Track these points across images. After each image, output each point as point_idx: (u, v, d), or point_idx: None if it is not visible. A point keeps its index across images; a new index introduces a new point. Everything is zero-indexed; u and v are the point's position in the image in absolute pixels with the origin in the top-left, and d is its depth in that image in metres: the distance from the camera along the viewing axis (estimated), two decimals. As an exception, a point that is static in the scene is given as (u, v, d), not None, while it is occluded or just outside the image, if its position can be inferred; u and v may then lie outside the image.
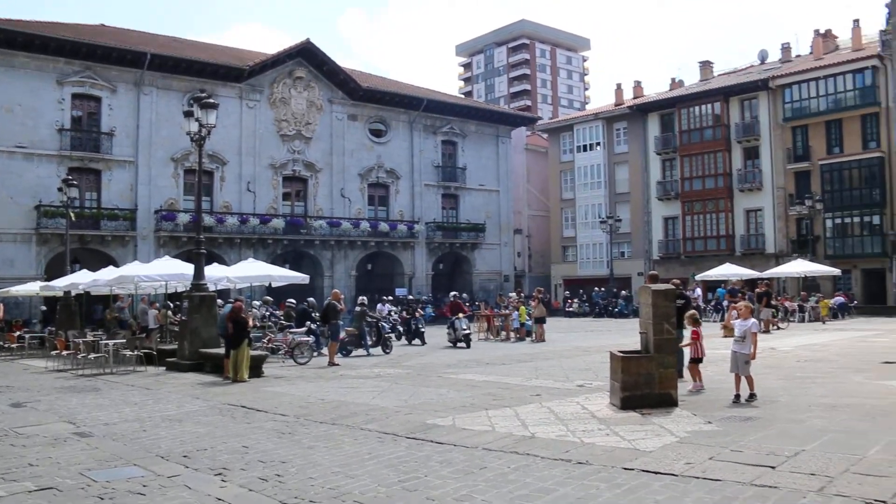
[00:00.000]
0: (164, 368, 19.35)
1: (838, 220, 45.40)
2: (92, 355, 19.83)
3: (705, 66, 59.99)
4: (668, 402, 10.63)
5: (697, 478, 6.80)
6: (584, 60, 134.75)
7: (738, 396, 10.91)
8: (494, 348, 24.84)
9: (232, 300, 19.02)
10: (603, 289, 51.35)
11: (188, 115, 20.16)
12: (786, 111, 48.29)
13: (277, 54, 45.44)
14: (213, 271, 23.93)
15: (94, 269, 28.79)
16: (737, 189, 50.32)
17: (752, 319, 11.70)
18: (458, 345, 25.17)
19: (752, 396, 10.91)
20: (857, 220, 45.00)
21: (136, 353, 20.00)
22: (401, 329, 28.10)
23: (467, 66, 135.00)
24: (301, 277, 25.64)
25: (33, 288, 29.80)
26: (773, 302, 31.36)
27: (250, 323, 17.89)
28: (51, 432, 10.48)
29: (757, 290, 30.25)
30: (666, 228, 54.51)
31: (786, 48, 56.26)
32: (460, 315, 26.05)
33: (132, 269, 24.35)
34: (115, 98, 39.15)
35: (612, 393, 11.10)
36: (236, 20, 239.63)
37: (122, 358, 19.84)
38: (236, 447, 9.05)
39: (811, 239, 44.11)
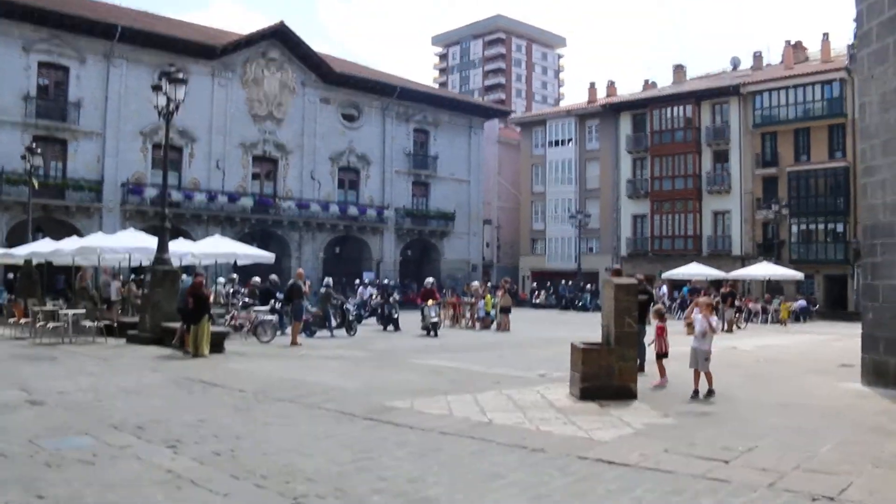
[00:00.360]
0: (125, 341, 19.10)
1: (803, 226, 45.92)
2: (51, 324, 19.55)
3: (678, 69, 60.28)
4: (626, 394, 10.68)
5: (650, 469, 6.81)
6: (560, 58, 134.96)
7: (696, 392, 10.98)
8: (459, 336, 24.87)
9: (193, 275, 18.70)
10: (570, 282, 51.55)
11: (156, 89, 19.82)
12: (756, 117, 48.71)
13: (251, 35, 44.99)
14: (179, 246, 23.63)
15: (58, 238, 28.30)
16: (706, 191, 50.70)
17: (714, 317, 11.79)
18: (431, 333, 24.23)
19: (710, 392, 10.98)
20: (821, 226, 45.52)
21: (96, 324, 19.74)
22: (378, 313, 27.82)
23: (443, 57, 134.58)
24: (267, 256, 25.43)
25: (-8, 254, 29.24)
26: (737, 303, 31.72)
27: (211, 298, 17.63)
28: (2, 399, 10.32)
29: (722, 290, 30.58)
30: (634, 226, 54.77)
31: (757, 56, 56.64)
32: (429, 302, 25.13)
33: (96, 240, 24.00)
34: (83, 68, 38.45)
35: (572, 383, 11.13)
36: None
37: (82, 329, 19.56)
38: (191, 421, 8.95)
39: (776, 243, 44.59)
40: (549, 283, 54.71)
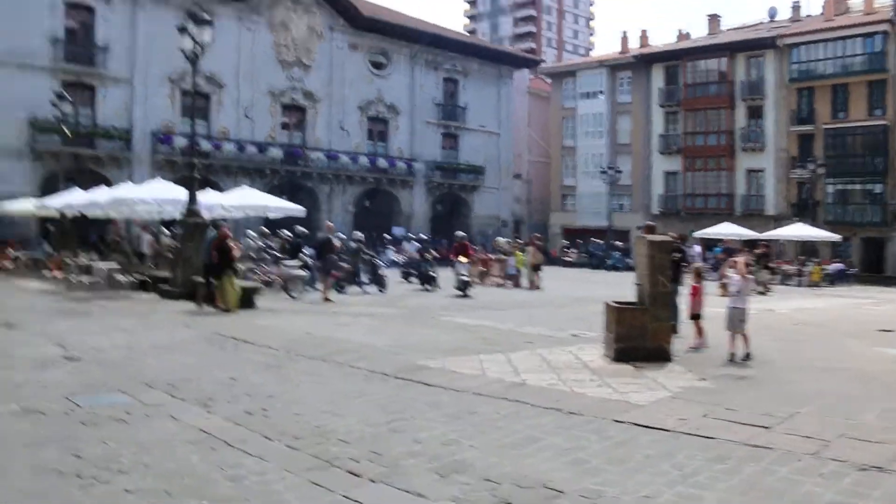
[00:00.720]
0: (157, 296, 19.19)
1: (840, 187, 45.10)
2: (85, 279, 19.68)
3: (713, 19, 58.95)
4: (661, 356, 10.52)
5: (689, 434, 6.69)
6: (591, 5, 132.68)
7: (733, 355, 10.77)
8: (489, 293, 24.58)
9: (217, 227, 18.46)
10: (601, 241, 50.98)
11: (182, 31, 19.54)
12: (792, 72, 47.52)
13: (278, -25, 44.23)
14: (208, 198, 23.55)
15: (88, 189, 28.37)
16: (739, 148, 49.83)
17: (751, 277, 11.55)
18: (467, 293, 22.53)
19: (747, 356, 10.77)
20: (858, 187, 44.70)
21: (129, 278, 19.83)
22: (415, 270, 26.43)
23: (473, 4, 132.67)
24: (298, 210, 25.34)
25: (27, 206, 29.30)
26: (771, 264, 31.28)
27: (236, 252, 17.54)
28: (39, 355, 10.39)
29: (756, 251, 30.08)
30: (667, 183, 54.02)
31: (796, 7, 55.00)
32: (462, 259, 23.57)
33: (126, 190, 23.97)
34: (109, 10, 37.95)
35: (606, 344, 10.99)
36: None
37: (116, 283, 19.67)
38: (223, 379, 8.95)
39: (811, 203, 43.65)
40: (579, 241, 54.23)
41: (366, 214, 47.36)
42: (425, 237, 30.43)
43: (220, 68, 40.37)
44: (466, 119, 52.98)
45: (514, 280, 28.15)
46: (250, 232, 27.64)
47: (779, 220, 45.53)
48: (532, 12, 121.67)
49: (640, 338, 10.56)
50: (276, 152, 42.80)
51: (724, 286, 11.78)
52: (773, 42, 48.12)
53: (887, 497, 5.16)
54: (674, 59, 53.81)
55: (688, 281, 12.80)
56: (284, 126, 44.90)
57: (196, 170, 20.30)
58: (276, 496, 5.07)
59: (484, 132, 54.03)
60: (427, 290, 24.31)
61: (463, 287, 22.68)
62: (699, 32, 60.16)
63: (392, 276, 26.30)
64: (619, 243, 49.12)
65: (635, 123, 56.15)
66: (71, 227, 27.76)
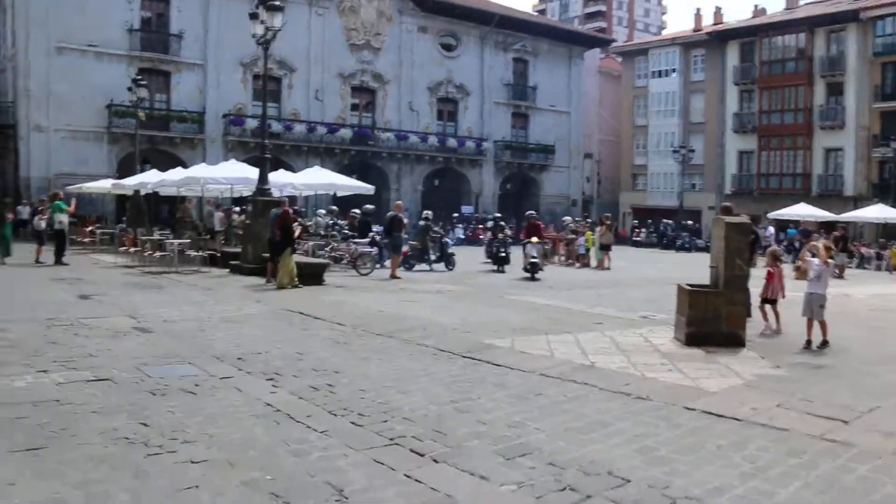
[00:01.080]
0: (228, 271, 19.53)
1: (925, 166, 43.34)
2: (158, 254, 20.12)
3: (792, -7, 57.12)
4: (735, 341, 10.22)
5: (763, 425, 6.44)
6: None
7: (809, 342, 10.38)
8: (556, 273, 24.23)
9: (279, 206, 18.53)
10: (671, 221, 50.18)
11: (253, 17, 19.84)
12: (876, 45, 45.63)
13: (347, -40, 44.40)
14: (279, 177, 23.91)
15: (164, 169, 29.01)
16: (817, 126, 48.22)
17: (831, 262, 11.13)
18: (535, 276, 21.06)
19: (824, 343, 10.37)
20: (946, 166, 42.88)
21: (200, 254, 20.22)
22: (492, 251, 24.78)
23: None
24: (366, 188, 25.50)
25: (105, 185, 30.34)
26: (850, 247, 30.30)
27: (297, 230, 17.62)
28: (112, 325, 10.67)
29: (834, 233, 29.13)
30: (740, 162, 52.78)
31: (881, -22, 52.84)
32: (534, 239, 21.98)
33: (199, 171, 24.43)
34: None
35: (677, 327, 10.74)
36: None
37: (187, 258, 20.07)
38: (290, 353, 9.01)
39: (894, 183, 42.17)
40: (649, 221, 53.45)
41: (434, 193, 47.44)
42: (499, 215, 29.59)
43: (290, 52, 40.88)
44: (536, 99, 52.46)
45: (583, 260, 27.85)
46: (320, 210, 27.92)
47: (858, 201, 44.05)
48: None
49: (713, 322, 10.27)
50: (346, 133, 43.14)
51: (799, 269, 11.38)
52: (856, 15, 46.23)
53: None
54: (749, 35, 52.24)
55: (762, 264, 12.42)
56: (354, 107, 45.21)
57: (267, 150, 20.51)
58: (338, 473, 5.04)
59: (554, 112, 53.47)
60: (501, 271, 23.27)
61: (532, 269, 21.20)
62: (776, 8, 58.30)
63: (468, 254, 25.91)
64: (689, 223, 48.17)
65: (708, 102, 54.90)
66: (145, 205, 28.49)
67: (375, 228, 24.14)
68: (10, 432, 5.66)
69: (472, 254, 28.45)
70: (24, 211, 31.10)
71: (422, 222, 23.86)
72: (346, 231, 24.59)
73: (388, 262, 21.10)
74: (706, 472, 5.24)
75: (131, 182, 27.30)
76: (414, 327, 11.31)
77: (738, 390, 7.78)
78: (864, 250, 35.47)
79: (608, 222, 27.89)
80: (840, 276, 25.35)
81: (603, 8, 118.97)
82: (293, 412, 6.48)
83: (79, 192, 29.26)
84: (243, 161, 28.11)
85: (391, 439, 5.79)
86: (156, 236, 22.62)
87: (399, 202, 24.52)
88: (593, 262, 27.29)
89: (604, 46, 63.18)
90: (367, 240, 22.77)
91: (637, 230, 52.06)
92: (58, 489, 4.62)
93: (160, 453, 5.32)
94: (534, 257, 21.28)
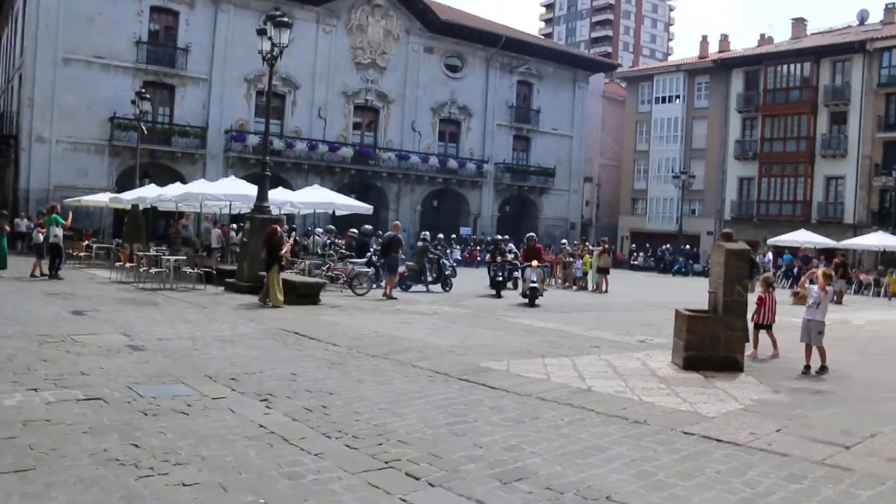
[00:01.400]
0: (223, 288, 19.42)
1: (925, 195, 43.34)
2: (153, 270, 20.03)
3: (798, 23, 57.33)
4: (733, 366, 10.19)
5: (762, 450, 6.39)
6: (671, 10, 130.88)
7: (808, 367, 10.36)
8: (554, 296, 24.16)
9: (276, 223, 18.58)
10: (669, 246, 50.15)
11: (261, 33, 19.85)
12: (882, 76, 45.85)
13: (357, -21, 44.59)
14: (278, 195, 23.87)
15: (163, 184, 29.05)
16: (819, 154, 48.28)
17: (830, 287, 11.08)
18: (535, 302, 19.82)
19: (822, 369, 10.36)
20: (946, 196, 42.89)
21: (196, 270, 20.13)
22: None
23: (549, 7, 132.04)
24: (365, 207, 25.45)
25: (103, 199, 30.17)
26: (849, 274, 30.29)
27: (286, 248, 17.57)
28: (105, 342, 10.55)
29: (835, 260, 29.13)
30: (740, 189, 52.85)
31: (889, 9, 52.60)
32: (534, 263, 20.69)
33: (198, 186, 24.41)
34: (192, 13, 38.98)
35: (675, 351, 10.68)
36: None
37: (183, 275, 19.99)
38: (285, 374, 8.92)
39: (894, 212, 42.19)
40: (648, 245, 53.47)
41: (434, 214, 47.43)
42: (499, 237, 29.22)
43: (296, 69, 41.06)
44: (539, 122, 52.58)
45: (581, 283, 27.81)
46: (318, 229, 27.87)
47: (858, 229, 44.08)
48: (610, 17, 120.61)
49: (711, 346, 10.25)
50: (347, 151, 43.09)
51: (797, 295, 11.35)
52: (863, 46, 46.42)
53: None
54: (755, 63, 52.49)
55: (757, 289, 12.42)
56: (356, 126, 45.23)
57: (268, 168, 20.48)
58: (332, 496, 4.96)
59: (556, 135, 53.57)
60: (498, 296, 22.12)
61: (531, 295, 19.96)
62: (783, 37, 58.49)
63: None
64: (687, 247, 48.14)
65: (711, 128, 55.00)
66: (142, 220, 28.43)
67: (374, 248, 24.09)
68: (-2, 452, 5.56)
69: (469, 275, 28.43)
70: (22, 223, 31.03)
71: (419, 243, 23.83)
72: (343, 251, 24.54)
73: (384, 282, 20.87)
74: (705, 498, 5.17)
75: (129, 196, 27.24)
76: (409, 349, 11.22)
77: (736, 415, 7.70)
78: (862, 277, 35.47)
79: (605, 245, 27.88)
80: (839, 302, 25.34)
81: (609, 33, 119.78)
82: (287, 434, 6.38)
83: (77, 205, 29.21)
84: (243, 178, 28.11)
85: (386, 462, 5.71)
86: (152, 252, 22.54)
87: (397, 222, 24.50)
88: (590, 286, 27.26)
89: (608, 71, 63.42)
90: (363, 260, 22.71)
91: (635, 254, 52.05)
92: (45, 510, 4.51)
93: (151, 475, 5.22)
94: (533, 282, 20.16)
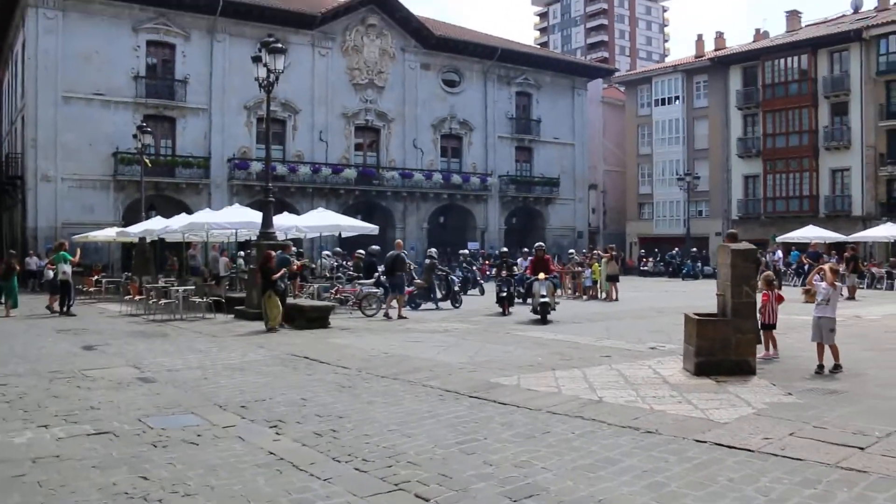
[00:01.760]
0: (233, 316, 19.46)
1: (933, 184, 43.20)
2: (162, 301, 20.08)
3: (792, 15, 57.15)
4: (745, 369, 10.09)
5: (776, 455, 6.31)
6: (665, 11, 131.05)
7: (821, 367, 10.23)
8: (564, 306, 23.93)
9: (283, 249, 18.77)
10: (678, 249, 49.96)
11: (256, 60, 19.96)
12: (880, 64, 45.63)
13: (350, 1, 44.69)
14: (283, 220, 23.96)
15: (168, 215, 29.17)
16: (822, 147, 48.10)
17: (839, 284, 10.98)
18: (547, 318, 18.37)
19: (836, 367, 10.22)
20: (954, 184, 42.73)
21: (205, 300, 20.17)
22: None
23: (543, 16, 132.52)
24: (370, 228, 25.46)
25: (110, 233, 30.37)
26: (861, 267, 30.05)
27: (279, 272, 17.60)
28: (116, 376, 10.61)
29: (845, 254, 28.89)
30: (746, 187, 52.68)
31: (882, -5, 52.83)
32: (541, 276, 19.21)
33: (203, 216, 24.51)
34: (188, 45, 39.28)
35: (686, 357, 10.60)
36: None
37: (192, 305, 20.04)
38: (295, 399, 8.92)
39: (904, 202, 41.98)
40: (656, 250, 53.28)
41: (440, 230, 47.48)
42: (505, 250, 28.76)
43: (294, 94, 41.32)
44: (540, 132, 52.64)
45: (591, 292, 27.72)
46: (325, 252, 27.91)
47: (867, 221, 43.87)
48: (604, 21, 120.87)
49: (721, 351, 10.16)
50: (350, 173, 43.24)
51: (808, 292, 11.24)
52: (859, 34, 46.24)
53: None
54: (752, 59, 52.44)
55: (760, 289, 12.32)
56: (358, 147, 45.41)
57: (271, 193, 20.53)
58: (341, 524, 4.93)
59: (558, 144, 53.61)
60: (506, 314, 20.71)
61: (542, 311, 18.45)
62: (777, 31, 58.41)
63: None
64: (695, 250, 47.91)
65: (712, 128, 54.93)
66: (150, 252, 28.55)
67: (381, 269, 24.06)
68: (7, 492, 5.57)
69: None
70: (33, 262, 31.20)
71: (427, 261, 23.79)
72: (351, 273, 24.54)
73: (394, 302, 20.68)
74: (718, 508, 5.10)
75: (136, 230, 27.37)
76: (419, 368, 11.20)
77: (749, 420, 7.63)
78: (874, 270, 35.18)
79: (613, 253, 27.77)
80: (852, 298, 25.14)
81: (605, 38, 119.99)
82: (296, 460, 6.37)
83: (84, 241, 29.35)
84: (248, 204, 28.26)
85: (396, 485, 5.68)
86: (160, 283, 22.61)
87: (399, 241, 24.46)
88: (601, 294, 27.18)
89: (606, 76, 63.46)
90: (371, 280, 22.66)
91: (644, 260, 51.88)
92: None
93: (160, 508, 5.20)
94: (543, 296, 18.52)
